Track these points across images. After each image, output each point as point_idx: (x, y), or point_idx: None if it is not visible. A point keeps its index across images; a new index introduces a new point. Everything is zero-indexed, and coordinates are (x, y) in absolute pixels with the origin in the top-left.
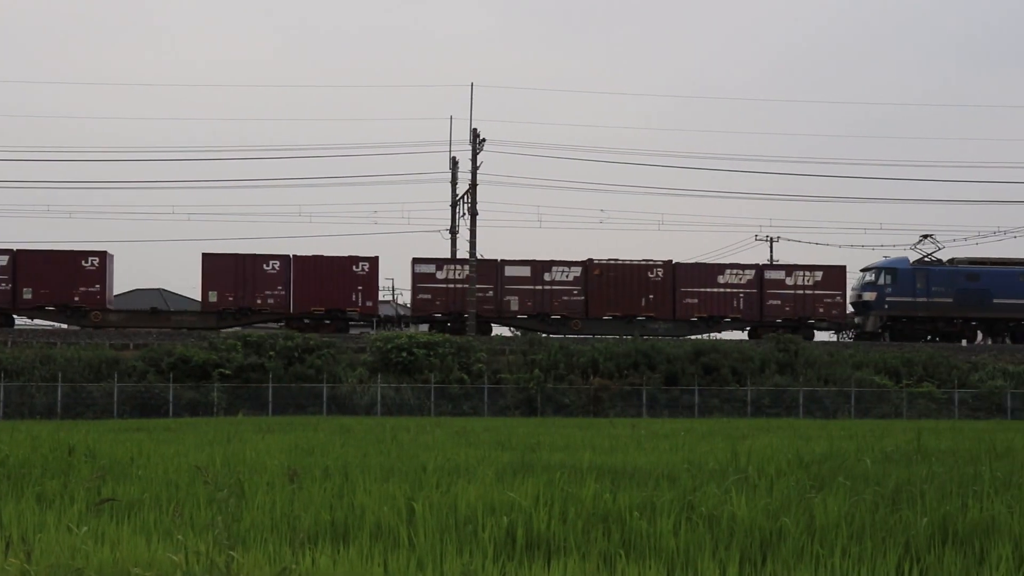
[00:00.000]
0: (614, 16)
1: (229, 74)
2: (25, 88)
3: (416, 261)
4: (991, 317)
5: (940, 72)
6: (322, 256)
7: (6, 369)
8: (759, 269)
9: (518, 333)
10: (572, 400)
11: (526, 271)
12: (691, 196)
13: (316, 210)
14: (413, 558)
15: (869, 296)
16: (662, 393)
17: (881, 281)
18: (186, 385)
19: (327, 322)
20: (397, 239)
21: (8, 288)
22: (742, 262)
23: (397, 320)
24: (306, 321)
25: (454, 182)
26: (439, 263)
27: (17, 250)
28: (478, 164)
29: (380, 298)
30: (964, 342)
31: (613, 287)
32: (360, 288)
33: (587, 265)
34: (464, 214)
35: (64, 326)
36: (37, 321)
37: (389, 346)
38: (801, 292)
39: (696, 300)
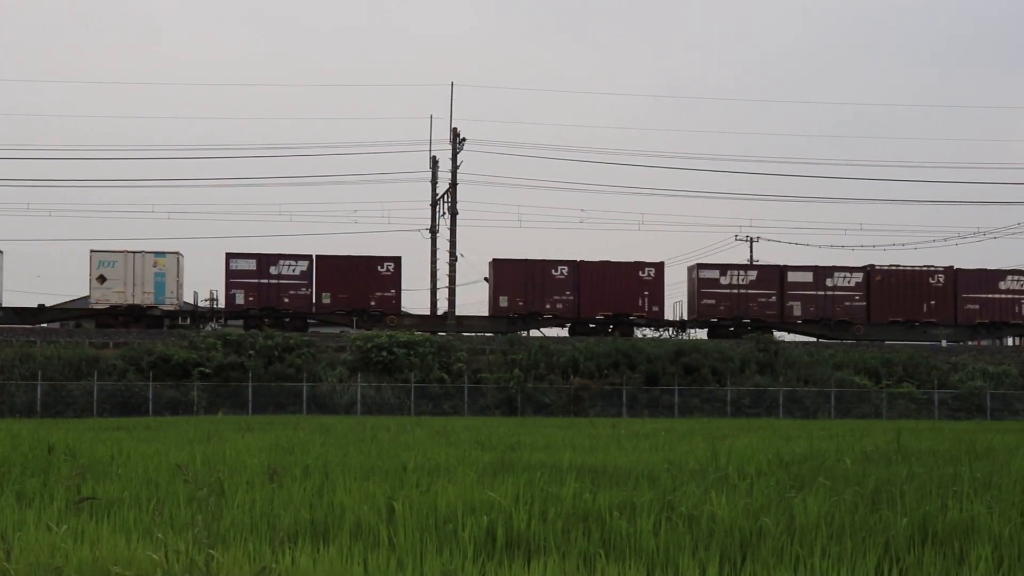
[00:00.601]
0: (596, 16)
1: (210, 73)
2: (10, 86)
3: (701, 267)
4: None
5: (922, 73)
6: (608, 262)
7: None
8: None
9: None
10: (552, 400)
11: (808, 277)
12: (672, 196)
13: (296, 209)
14: (393, 557)
15: None
16: (642, 393)
17: None
18: (166, 384)
19: (611, 327)
20: (377, 238)
21: (308, 293)
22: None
23: (681, 325)
24: (591, 325)
25: (434, 181)
26: (723, 268)
27: (317, 255)
28: (458, 163)
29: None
30: None
31: (894, 292)
32: (646, 293)
33: (869, 271)
34: (444, 213)
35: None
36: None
37: (369, 345)
38: None
39: (977, 306)
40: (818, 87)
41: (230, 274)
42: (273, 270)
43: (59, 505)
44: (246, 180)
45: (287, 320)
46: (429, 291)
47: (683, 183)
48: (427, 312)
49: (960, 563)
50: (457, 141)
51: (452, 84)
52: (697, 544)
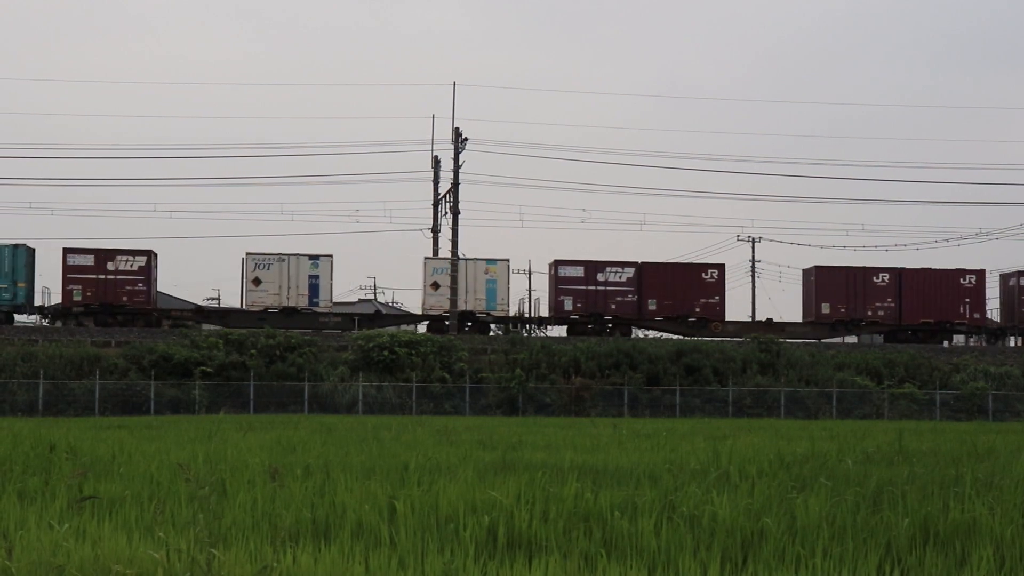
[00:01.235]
0: (594, 16)
1: (211, 72)
2: (5, 85)
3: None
4: None
5: (922, 73)
6: (930, 269)
7: None
8: None
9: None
10: (554, 399)
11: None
12: (673, 196)
13: (298, 208)
14: (394, 557)
15: None
16: (644, 393)
17: None
18: (168, 383)
19: (932, 334)
20: (379, 238)
21: (634, 300)
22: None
23: (1001, 334)
24: (910, 332)
25: (436, 181)
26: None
27: (642, 263)
28: (460, 163)
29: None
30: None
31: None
32: (967, 300)
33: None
34: (446, 213)
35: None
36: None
37: (371, 344)
38: None
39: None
40: (819, 86)
41: (558, 280)
42: (600, 276)
43: (61, 504)
44: (248, 179)
45: (610, 326)
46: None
47: (685, 183)
48: (748, 318)
49: (961, 564)
50: (459, 141)
51: (454, 84)
52: (698, 544)
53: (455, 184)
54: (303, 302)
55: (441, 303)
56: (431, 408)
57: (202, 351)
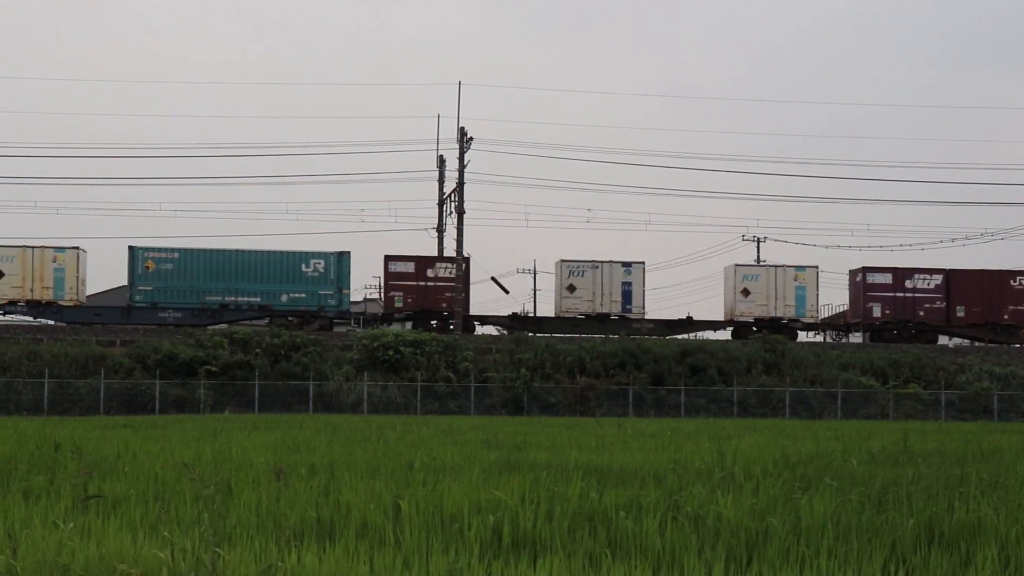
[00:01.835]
0: (594, 16)
1: (217, 72)
2: (9, 83)
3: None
4: None
5: (922, 73)
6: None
7: None
8: None
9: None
10: (558, 399)
11: None
12: (679, 196)
13: (303, 207)
14: (399, 556)
15: None
16: (648, 393)
17: None
18: (173, 382)
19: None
20: (384, 237)
21: (942, 306)
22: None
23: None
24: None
25: (441, 180)
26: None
27: (951, 269)
28: (465, 163)
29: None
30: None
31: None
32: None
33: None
34: (451, 212)
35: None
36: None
37: (376, 344)
38: None
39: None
40: (825, 86)
41: (866, 287)
42: (908, 283)
43: (66, 503)
44: (253, 179)
45: (914, 332)
46: None
47: (691, 183)
48: None
49: (966, 564)
50: (464, 140)
51: (459, 83)
52: (703, 544)
53: (460, 184)
54: (616, 308)
55: (751, 309)
56: (436, 408)
57: (207, 350)
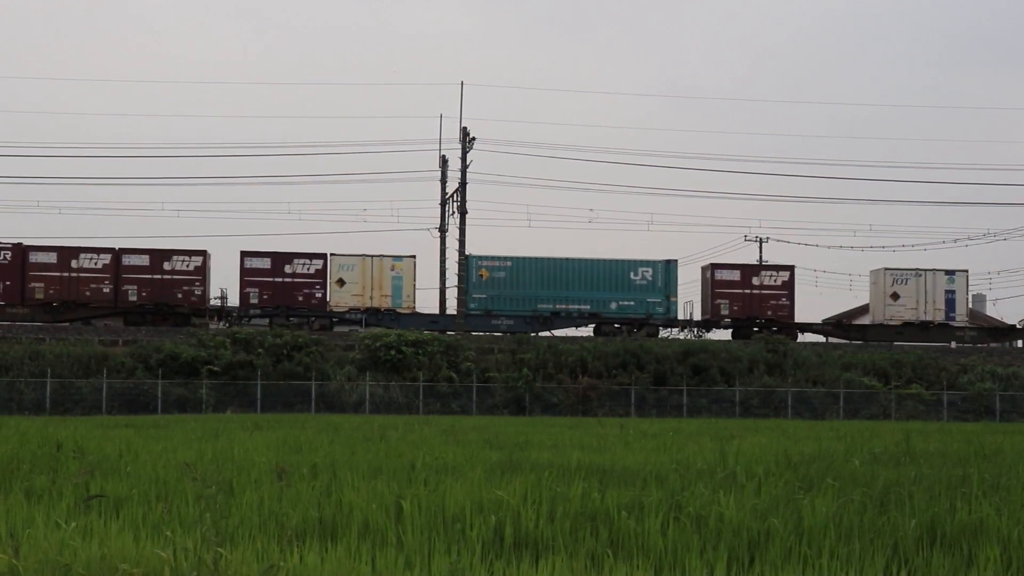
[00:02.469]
0: (594, 16)
1: (217, 72)
2: (9, 83)
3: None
4: None
5: (923, 73)
6: None
7: None
8: None
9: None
10: (560, 399)
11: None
12: (682, 196)
13: (305, 207)
14: (401, 556)
15: None
16: (651, 393)
17: None
18: (175, 382)
19: None
20: (386, 237)
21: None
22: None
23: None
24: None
25: (443, 180)
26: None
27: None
28: (468, 163)
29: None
30: None
31: None
32: None
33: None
34: (453, 212)
35: None
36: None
37: (378, 344)
38: None
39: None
40: (826, 85)
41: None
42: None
43: (67, 503)
44: (255, 179)
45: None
46: (439, 290)
47: (693, 183)
48: None
49: (968, 565)
50: (467, 140)
51: (462, 84)
52: (705, 544)
53: (463, 183)
54: (939, 316)
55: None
56: (438, 408)
57: (209, 350)
